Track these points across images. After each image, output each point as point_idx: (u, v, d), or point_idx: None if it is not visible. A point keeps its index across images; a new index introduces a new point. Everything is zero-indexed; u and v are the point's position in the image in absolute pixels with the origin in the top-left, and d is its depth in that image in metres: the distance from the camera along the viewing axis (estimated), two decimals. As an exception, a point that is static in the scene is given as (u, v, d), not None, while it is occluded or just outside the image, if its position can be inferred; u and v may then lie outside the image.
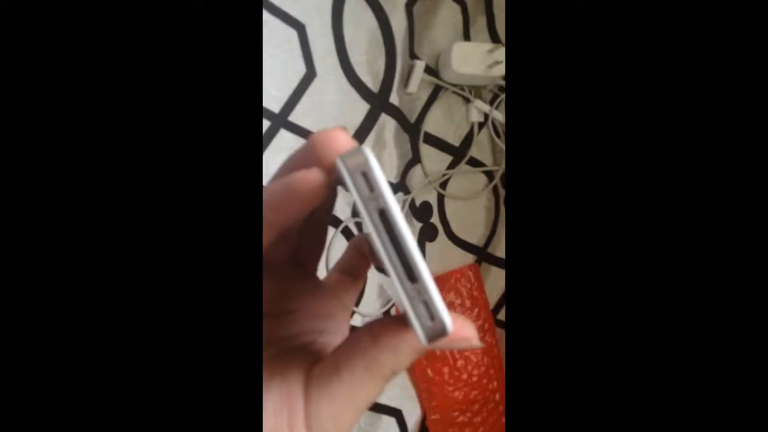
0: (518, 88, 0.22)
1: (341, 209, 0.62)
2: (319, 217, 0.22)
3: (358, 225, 0.62)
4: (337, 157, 0.15)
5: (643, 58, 0.21)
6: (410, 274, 0.15)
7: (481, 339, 0.70)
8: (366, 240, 0.23)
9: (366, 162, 0.15)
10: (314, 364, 0.19)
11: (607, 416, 0.21)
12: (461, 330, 0.17)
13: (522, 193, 0.22)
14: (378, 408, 0.66)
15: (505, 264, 0.73)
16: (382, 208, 0.15)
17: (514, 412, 0.22)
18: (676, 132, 0.21)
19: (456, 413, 0.68)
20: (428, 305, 0.16)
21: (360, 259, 0.25)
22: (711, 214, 0.20)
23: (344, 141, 0.17)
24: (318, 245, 0.23)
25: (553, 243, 0.21)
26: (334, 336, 0.22)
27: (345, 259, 0.25)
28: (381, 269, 0.17)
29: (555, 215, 0.22)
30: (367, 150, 0.15)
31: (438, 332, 0.16)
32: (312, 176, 0.16)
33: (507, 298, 0.23)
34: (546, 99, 0.22)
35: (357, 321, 0.65)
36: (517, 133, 0.22)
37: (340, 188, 0.19)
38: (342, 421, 0.18)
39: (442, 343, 0.16)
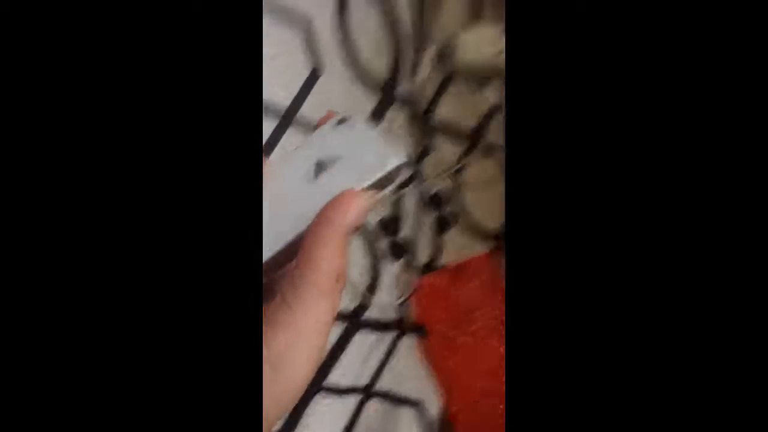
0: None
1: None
2: None
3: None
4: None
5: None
6: None
7: (502, 328, 0.69)
8: None
9: None
10: None
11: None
12: None
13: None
14: (397, 400, 0.66)
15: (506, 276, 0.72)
16: None
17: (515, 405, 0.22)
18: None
19: (477, 402, 0.67)
20: None
21: None
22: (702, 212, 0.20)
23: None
24: None
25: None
26: None
27: None
28: None
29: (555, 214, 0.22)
30: None
31: None
32: None
33: (507, 303, 0.23)
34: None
35: (375, 312, 0.65)
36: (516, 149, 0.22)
37: None
38: None
39: None
